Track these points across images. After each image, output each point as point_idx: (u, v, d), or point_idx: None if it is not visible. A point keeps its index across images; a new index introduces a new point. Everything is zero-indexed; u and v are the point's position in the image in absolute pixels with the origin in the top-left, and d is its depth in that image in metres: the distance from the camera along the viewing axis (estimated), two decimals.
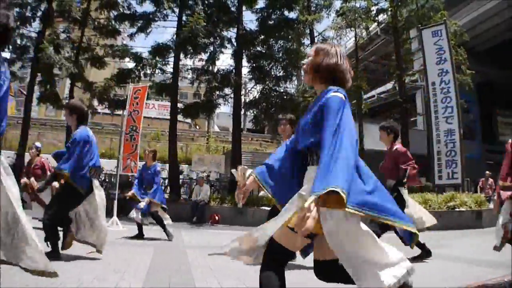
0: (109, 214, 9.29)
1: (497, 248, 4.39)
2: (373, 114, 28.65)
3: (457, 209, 11.78)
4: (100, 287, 3.94)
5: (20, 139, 15.91)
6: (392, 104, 23.17)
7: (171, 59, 16.37)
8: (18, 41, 17.21)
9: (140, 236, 7.97)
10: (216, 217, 12.60)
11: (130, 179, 13.73)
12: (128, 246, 6.90)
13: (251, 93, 19.05)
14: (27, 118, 16.54)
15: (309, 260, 2.51)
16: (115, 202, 9.92)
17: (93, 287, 3.91)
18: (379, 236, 4.10)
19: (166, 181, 16.20)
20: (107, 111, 17.67)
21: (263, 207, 12.16)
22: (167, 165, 17.00)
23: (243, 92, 17.69)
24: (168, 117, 17.18)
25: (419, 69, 15.64)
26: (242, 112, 16.94)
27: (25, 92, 19.56)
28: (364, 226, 2.18)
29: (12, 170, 2.64)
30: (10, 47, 17.21)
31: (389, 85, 24.78)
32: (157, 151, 9.25)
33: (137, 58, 16.48)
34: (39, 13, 17.06)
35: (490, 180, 16.75)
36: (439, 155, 13.83)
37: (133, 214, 7.94)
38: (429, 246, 6.03)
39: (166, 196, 14.88)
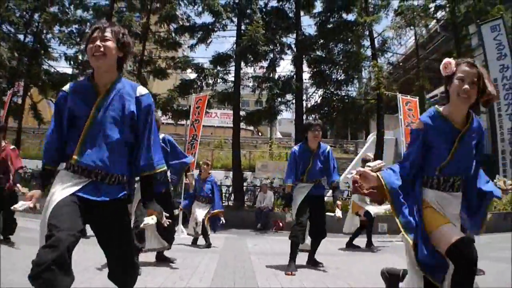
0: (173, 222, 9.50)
1: None
2: None
3: None
4: None
5: None
6: None
7: (232, 68, 16.57)
8: (80, 57, 18.03)
9: (208, 245, 8.11)
10: (280, 224, 12.55)
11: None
12: (193, 253, 7.00)
13: (312, 98, 18.96)
14: None
15: None
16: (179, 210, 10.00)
17: None
18: None
19: (230, 188, 16.36)
20: (170, 121, 18.09)
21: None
22: (231, 172, 17.17)
23: (304, 97, 17.60)
24: (231, 125, 17.38)
25: (481, 65, 15.01)
26: (304, 117, 16.86)
27: None
28: None
29: None
30: (72, 62, 18.12)
31: None
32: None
33: (198, 68, 16.81)
34: None
35: None
36: (504, 154, 13.22)
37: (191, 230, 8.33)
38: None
39: (231, 203, 15.06)
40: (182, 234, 9.61)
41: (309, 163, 5.77)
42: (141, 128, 2.53)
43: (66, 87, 2.54)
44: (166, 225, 2.81)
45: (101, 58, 2.43)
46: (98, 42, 2.43)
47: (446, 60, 2.61)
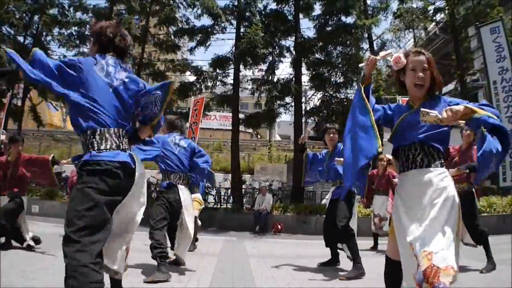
0: None
1: None
2: None
3: None
4: None
5: None
6: None
7: (231, 71, 16.53)
8: None
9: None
10: (279, 226, 12.54)
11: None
12: (192, 255, 6.99)
13: (311, 100, 18.92)
14: None
15: None
16: None
17: None
18: None
19: (229, 191, 16.34)
20: None
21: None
22: (230, 175, 17.16)
23: (303, 100, 17.56)
24: (230, 128, 17.37)
25: (480, 67, 14.99)
26: (303, 120, 16.82)
27: None
28: None
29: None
30: None
31: (450, 86, 24.05)
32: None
33: (197, 71, 16.79)
34: None
35: None
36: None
37: None
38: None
39: (229, 206, 15.04)
40: None
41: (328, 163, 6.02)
42: None
43: None
44: None
45: None
46: None
47: (395, 55, 2.73)
